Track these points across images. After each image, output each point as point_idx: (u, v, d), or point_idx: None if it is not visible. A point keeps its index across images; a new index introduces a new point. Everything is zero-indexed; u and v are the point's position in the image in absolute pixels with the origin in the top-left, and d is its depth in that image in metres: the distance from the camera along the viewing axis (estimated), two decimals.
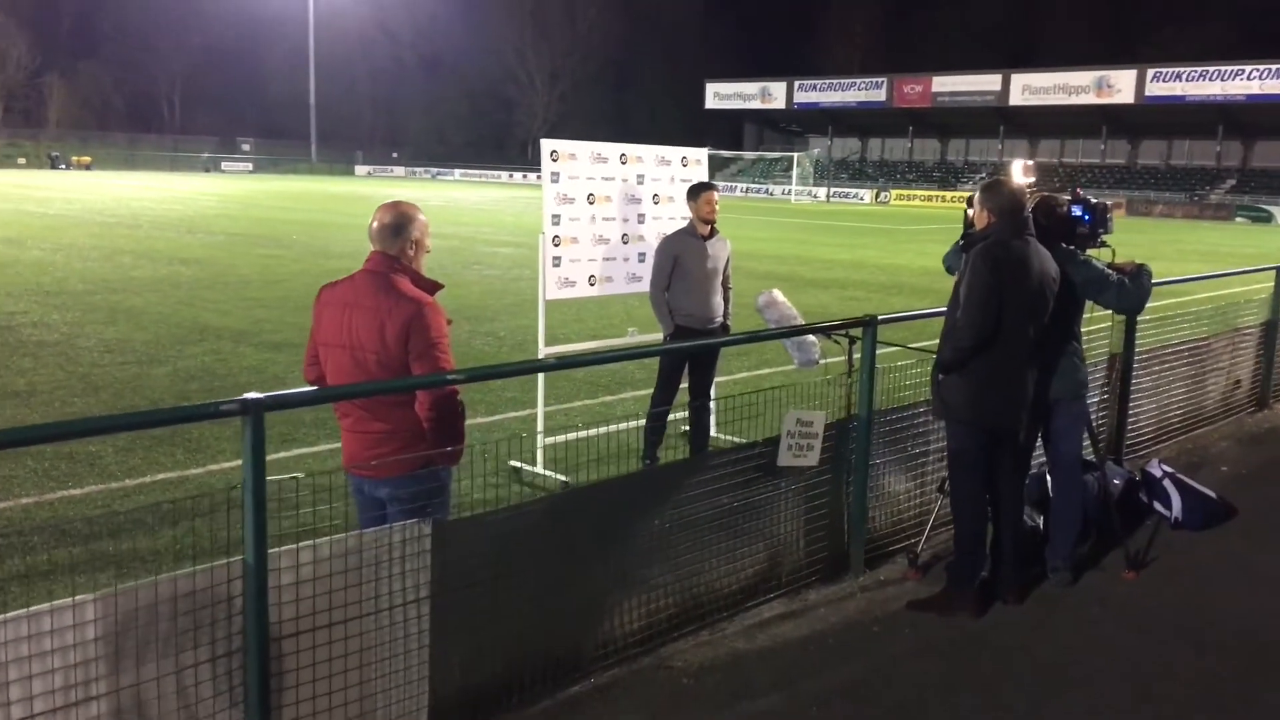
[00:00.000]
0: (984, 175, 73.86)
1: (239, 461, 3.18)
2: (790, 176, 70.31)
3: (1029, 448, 5.34)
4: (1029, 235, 4.92)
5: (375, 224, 4.15)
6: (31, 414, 8.26)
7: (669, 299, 6.93)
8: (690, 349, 6.93)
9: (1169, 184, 66.55)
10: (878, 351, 5.33)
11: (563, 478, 6.83)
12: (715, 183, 7.07)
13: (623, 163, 7.35)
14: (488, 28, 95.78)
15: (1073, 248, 5.36)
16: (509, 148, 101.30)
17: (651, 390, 7.35)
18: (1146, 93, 64.62)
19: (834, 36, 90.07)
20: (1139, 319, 7.50)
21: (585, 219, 7.12)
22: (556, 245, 6.94)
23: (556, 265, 6.96)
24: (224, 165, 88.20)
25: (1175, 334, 8.64)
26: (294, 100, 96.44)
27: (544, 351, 7.00)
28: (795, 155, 72.28)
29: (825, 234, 35.39)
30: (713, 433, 7.89)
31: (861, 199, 69.09)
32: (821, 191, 71.29)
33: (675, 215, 7.58)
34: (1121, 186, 66.88)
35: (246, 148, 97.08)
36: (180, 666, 3.10)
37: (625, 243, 7.39)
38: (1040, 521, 5.73)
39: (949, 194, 67.46)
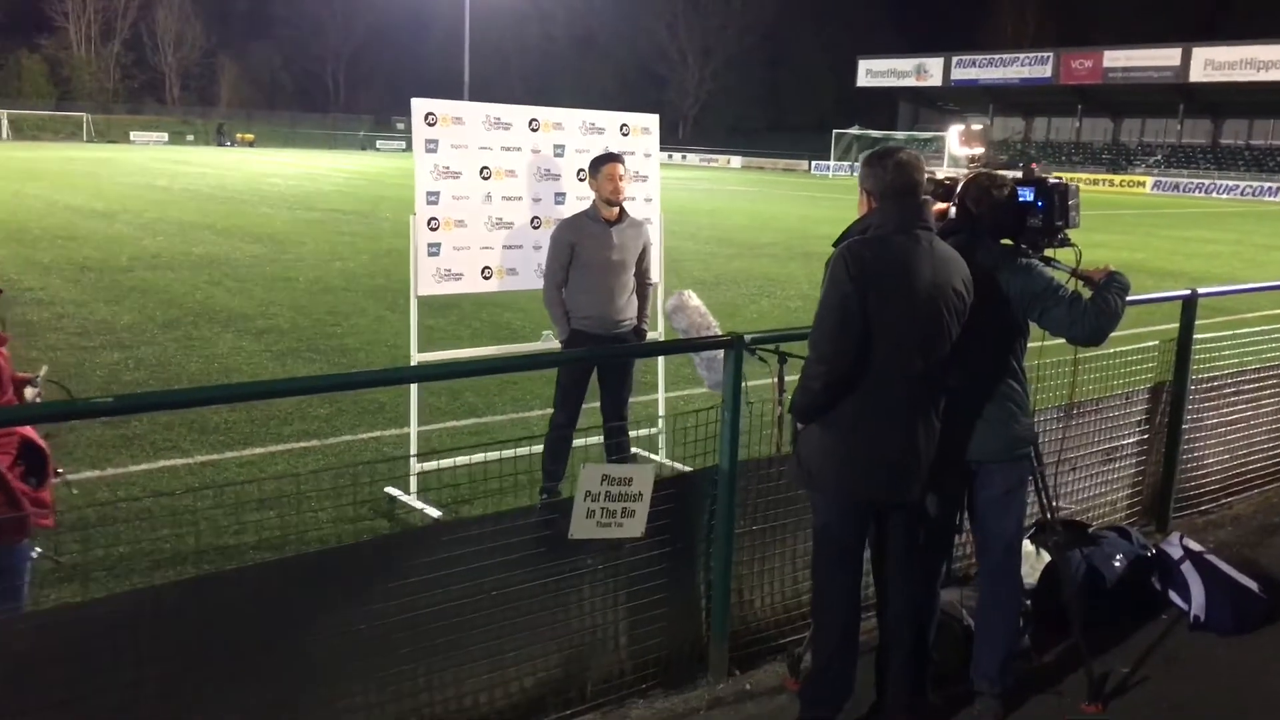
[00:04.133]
0: (1159, 158, 68.60)
1: None
2: (942, 158, 66.72)
3: (945, 524, 3.81)
4: (921, 228, 3.40)
5: None
6: None
7: (565, 297, 5.61)
8: (578, 357, 5.60)
9: None
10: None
11: (435, 512, 5.63)
12: (620, 154, 5.65)
13: (533, 129, 6.03)
14: (639, 3, 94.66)
15: (1023, 246, 3.81)
16: (660, 127, 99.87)
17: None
18: None
19: (996, 8, 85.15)
20: (1196, 334, 5.78)
21: (477, 198, 5.85)
22: (434, 229, 5.70)
23: (434, 254, 5.72)
24: (379, 144, 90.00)
25: (1260, 354, 6.78)
26: (449, 80, 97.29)
27: (416, 358, 5.79)
28: (945, 135, 68.51)
29: None
30: (662, 459, 6.54)
31: None
32: None
33: None
34: None
35: (401, 126, 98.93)
36: None
37: (536, 228, 6.08)
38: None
39: (1119, 177, 62.87)
